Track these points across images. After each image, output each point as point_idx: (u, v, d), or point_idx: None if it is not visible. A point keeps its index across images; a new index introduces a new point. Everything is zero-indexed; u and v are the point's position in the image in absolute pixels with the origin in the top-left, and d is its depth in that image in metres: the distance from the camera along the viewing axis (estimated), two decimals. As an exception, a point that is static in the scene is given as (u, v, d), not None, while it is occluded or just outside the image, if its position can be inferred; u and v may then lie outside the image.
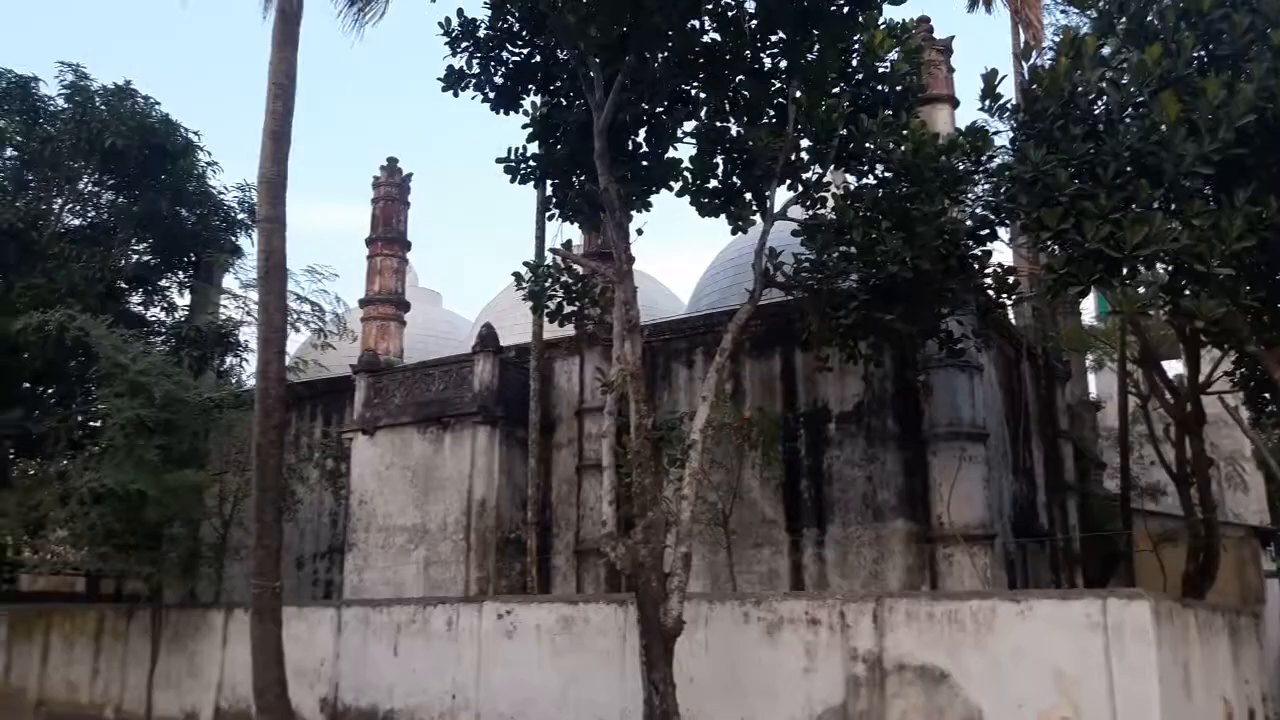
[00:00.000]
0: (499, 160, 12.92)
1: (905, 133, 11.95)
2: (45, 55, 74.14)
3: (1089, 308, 23.62)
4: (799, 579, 15.56)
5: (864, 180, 12.65)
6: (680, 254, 77.36)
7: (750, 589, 15.02)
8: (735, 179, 12.63)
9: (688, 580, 10.44)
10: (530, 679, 13.09)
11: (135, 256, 23.08)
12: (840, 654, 11.00)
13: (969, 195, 12.48)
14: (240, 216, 24.09)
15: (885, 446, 15.51)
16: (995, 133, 11.92)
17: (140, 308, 23.50)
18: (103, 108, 22.11)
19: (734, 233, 13.33)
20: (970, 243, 12.30)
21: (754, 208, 12.79)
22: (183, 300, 24.36)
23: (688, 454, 10.97)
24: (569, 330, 16.54)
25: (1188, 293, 9.96)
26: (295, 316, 20.73)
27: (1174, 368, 19.58)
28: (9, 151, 22.40)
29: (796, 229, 12.71)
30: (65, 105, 22.28)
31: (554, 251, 14.19)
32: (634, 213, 12.73)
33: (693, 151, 12.69)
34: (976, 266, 12.44)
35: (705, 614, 11.87)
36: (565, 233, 34.53)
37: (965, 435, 14.97)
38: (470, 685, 13.63)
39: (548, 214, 14.38)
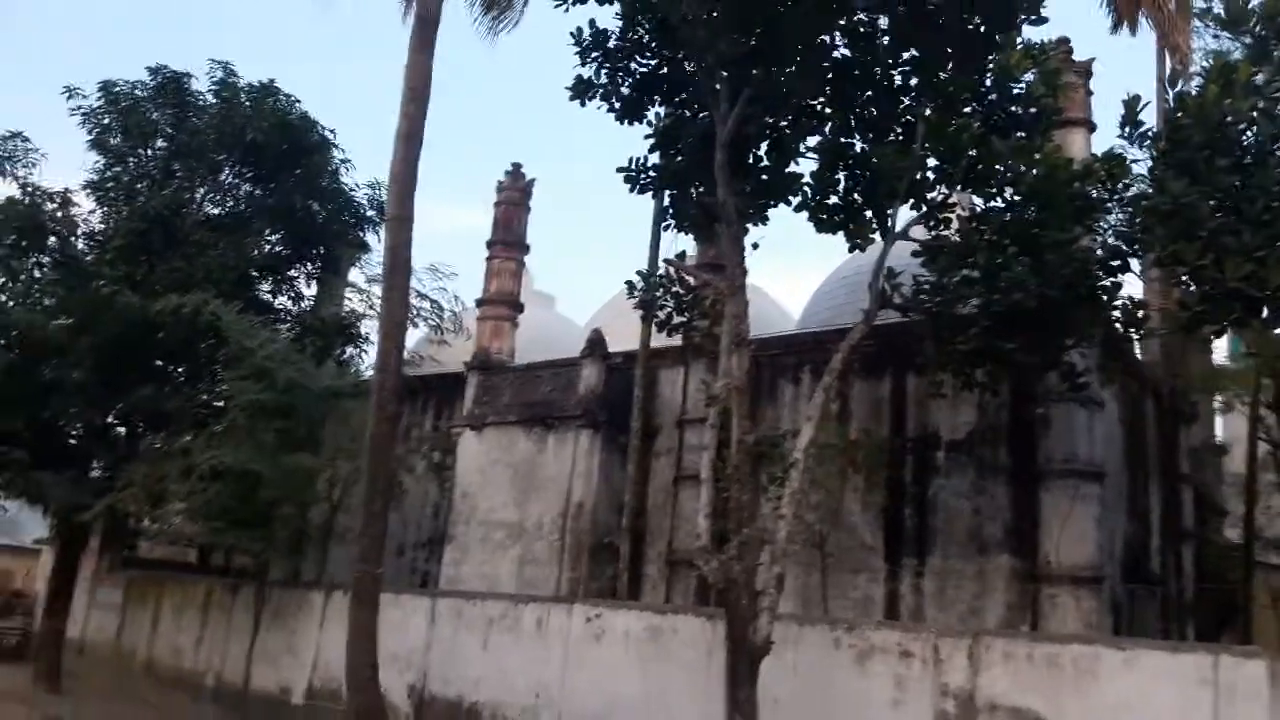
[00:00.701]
0: (620, 170, 13.00)
1: (1038, 156, 11.58)
2: (198, 52, 78.12)
3: (1221, 346, 22.48)
4: (894, 609, 15.20)
5: (991, 203, 12.31)
6: (795, 270, 76.78)
7: (843, 615, 14.71)
8: (856, 196, 12.46)
9: (779, 601, 10.30)
10: (614, 685, 13.05)
11: (268, 247, 23.93)
12: (931, 689, 10.65)
13: (1102, 224, 12.02)
14: (369, 213, 24.77)
15: (995, 479, 15.05)
16: (1133, 161, 11.43)
17: (269, 296, 24.34)
18: (247, 104, 23.06)
19: (851, 250, 13.13)
20: (1100, 273, 11.85)
21: (874, 226, 12.59)
22: (309, 291, 25.17)
23: (788, 473, 10.83)
24: (676, 340, 16.51)
25: (1335, 338, 9.33)
26: (415, 312, 21.22)
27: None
28: (160, 142, 23.53)
29: (917, 250, 12.44)
30: (213, 100, 23.31)
31: (667, 262, 14.18)
32: (750, 226, 12.67)
33: (814, 167, 12.57)
34: (1105, 298, 11.97)
35: (795, 636, 11.65)
36: (680, 244, 34.51)
37: (1080, 473, 14.41)
38: (555, 685, 13.67)
39: (663, 224, 14.38)
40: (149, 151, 23.50)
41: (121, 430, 22.76)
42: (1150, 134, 10.88)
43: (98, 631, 23.44)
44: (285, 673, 17.79)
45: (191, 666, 20.15)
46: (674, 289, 14.05)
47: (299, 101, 23.83)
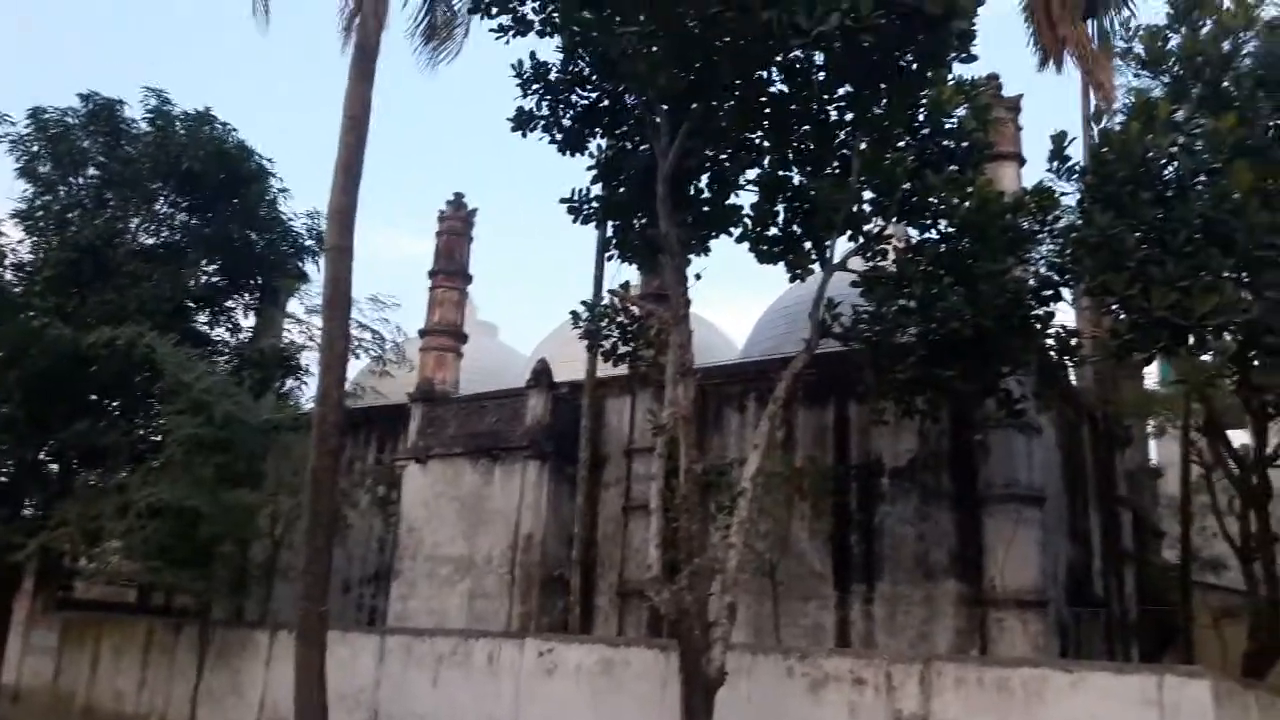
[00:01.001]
0: (562, 200, 13.08)
1: (970, 189, 11.89)
2: (128, 79, 76.82)
3: (1152, 372, 23.15)
4: (845, 635, 15.35)
5: (926, 234, 12.58)
6: (737, 299, 77.45)
7: (795, 643, 14.84)
8: (796, 228, 12.65)
9: (731, 630, 10.36)
10: (567, 719, 13.01)
11: (204, 277, 23.65)
12: (885, 715, 10.80)
13: (1033, 255, 12.36)
14: (308, 243, 24.59)
15: (939, 505, 15.28)
16: (1062, 194, 11.81)
17: (206, 327, 24.04)
18: (182, 132, 22.84)
19: (792, 280, 13.31)
20: (1033, 302, 12.15)
21: (813, 257, 12.78)
22: (247, 322, 24.89)
23: (736, 501, 10.93)
24: (622, 370, 16.56)
25: (1256, 364, 9.73)
26: (356, 344, 21.05)
27: (1240, 437, 19.09)
28: (91, 171, 23.19)
29: (856, 280, 12.67)
30: (147, 129, 23.04)
31: (612, 292, 14.30)
32: (693, 257, 12.80)
33: (754, 199, 12.75)
34: (1039, 327, 12.28)
35: (748, 666, 11.73)
36: (624, 274, 34.71)
37: (1021, 497, 14.70)
38: (507, 721, 13.60)
39: (607, 255, 14.49)
40: (80, 180, 23.14)
41: (54, 467, 22.26)
42: (1077, 168, 11.25)
43: (34, 676, 22.77)
44: (231, 714, 17.45)
45: (134, 710, 19.67)
46: (619, 319, 14.14)
47: (235, 130, 23.68)
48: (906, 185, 12.01)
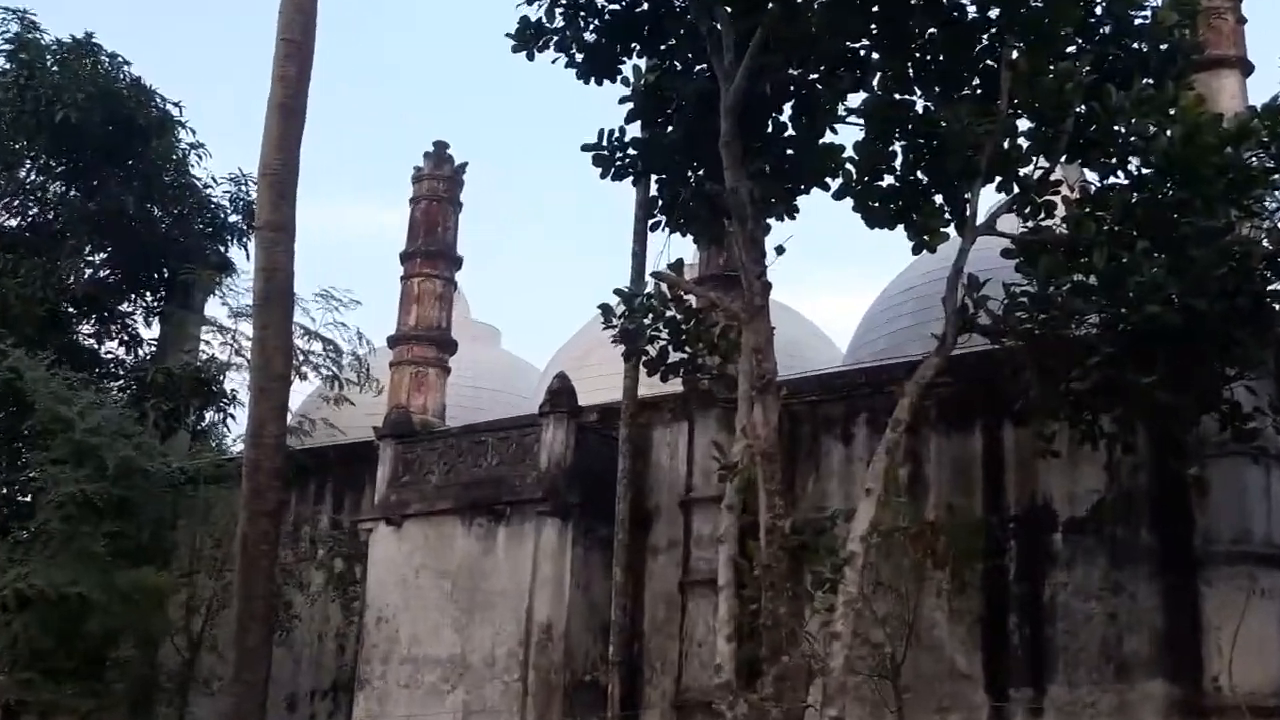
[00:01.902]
0: (586, 148, 13.07)
1: (1173, 112, 11.68)
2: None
3: None
4: (1003, 762, 15.15)
5: (1110, 179, 12.38)
6: (837, 281, 77.04)
7: (930, 772, 14.63)
8: (920, 174, 12.55)
9: (838, 757, 10.25)
10: None
11: (89, 271, 23.96)
12: None
13: (1267, 204, 12.10)
14: (233, 219, 24.84)
15: (1136, 570, 15.03)
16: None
17: (93, 340, 24.35)
18: (55, 69, 23.08)
19: (916, 251, 13.18)
20: (1269, 274, 11.89)
21: (947, 215, 12.66)
22: (150, 332, 25.18)
23: (842, 572, 10.87)
24: (675, 386, 16.44)
25: None
26: (302, 359, 21.10)
27: None
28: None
29: (1009, 248, 12.49)
30: (5, 65, 23.33)
31: (657, 276, 14.20)
32: (772, 221, 12.72)
33: (859, 136, 12.63)
34: (1278, 309, 12.04)
35: (863, 807, 11.57)
36: (674, 250, 34.75)
37: (1257, 557, 14.40)
38: None
39: (650, 223, 14.42)
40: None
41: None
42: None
43: None
44: None
45: None
46: (668, 314, 14.07)
47: (129, 64, 23.97)
48: (1080, 109, 11.82)
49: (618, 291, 14.12)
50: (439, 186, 23.99)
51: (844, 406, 17.57)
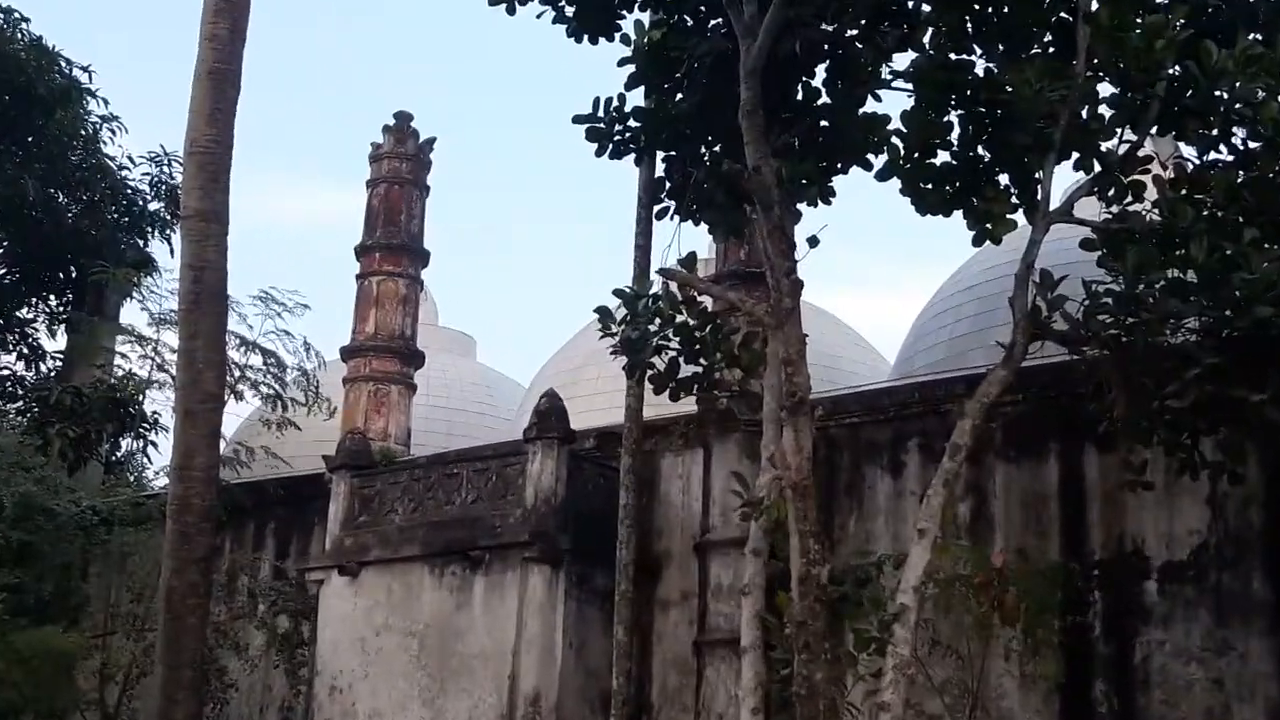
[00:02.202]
0: (579, 120, 13.03)
1: (1287, 72, 11.62)
2: None
3: None
4: None
5: (1211, 155, 12.34)
6: (882, 279, 77.12)
7: None
8: (981, 150, 12.50)
9: None
10: None
11: (-20, 271, 23.97)
12: None
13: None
14: (153, 207, 24.88)
15: (1248, 626, 14.98)
16: None
17: (-16, 353, 24.35)
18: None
19: (978, 243, 13.15)
20: None
21: (1014, 199, 12.61)
22: (55, 344, 25.19)
23: (891, 629, 10.86)
24: (687, 405, 16.39)
25: None
26: (238, 374, 21.12)
27: None
28: None
29: (1090, 238, 12.42)
30: None
31: (665, 274, 14.15)
32: (804, 207, 12.68)
33: (908, 103, 12.57)
34: None
35: None
36: (686, 241, 34.67)
37: (1396, 610, 14.36)
38: None
39: (657, 210, 14.35)
40: None
41: None
42: None
43: None
44: None
45: None
46: (679, 318, 14.00)
47: (27, 21, 23.99)
48: (1173, 70, 11.77)
49: (618, 292, 14.01)
50: (401, 167, 24.01)
51: (892, 429, 17.58)
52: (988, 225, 12.76)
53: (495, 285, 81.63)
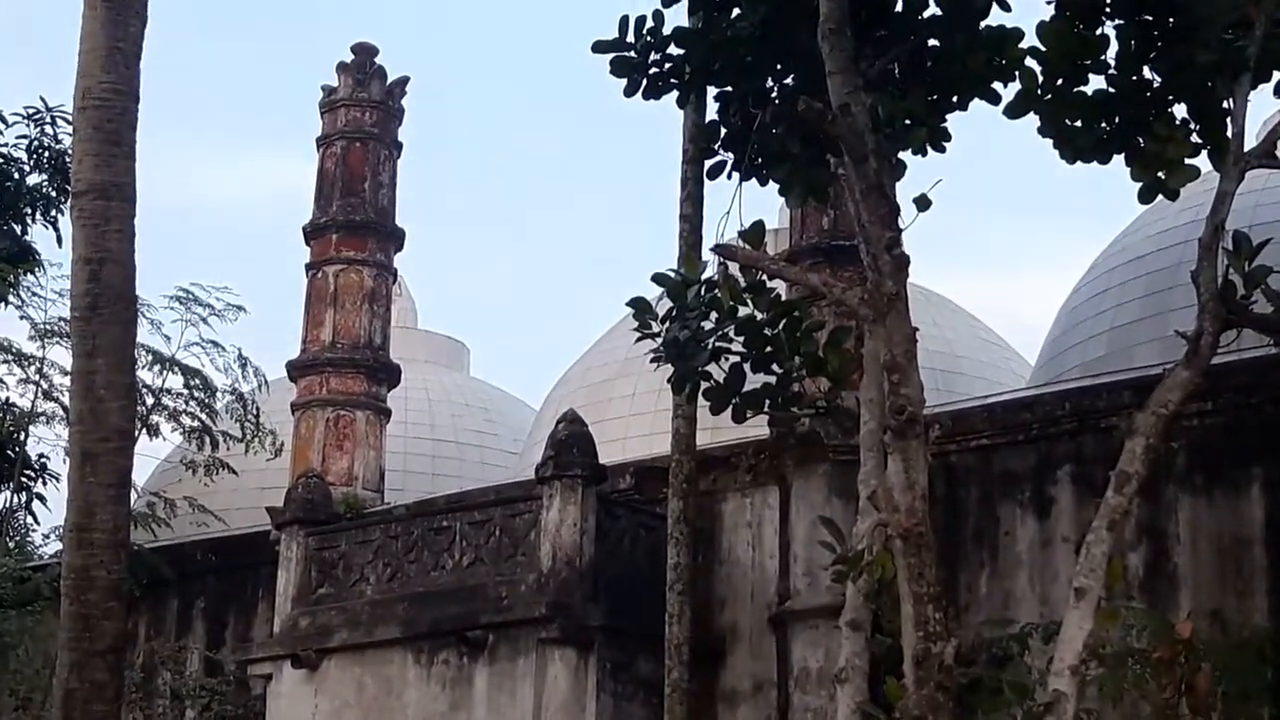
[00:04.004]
0: (602, 47, 13.03)
1: None
2: None
3: None
4: None
5: None
6: (1016, 251, 76.89)
7: None
8: (1148, 73, 12.43)
9: None
10: None
11: None
12: None
13: None
14: (32, 181, 25.00)
15: None
16: None
17: None
18: None
19: (1146, 199, 13.05)
20: None
21: (1194, 139, 12.53)
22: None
23: (1043, 723, 10.67)
24: (756, 428, 16.37)
25: None
26: (152, 403, 21.22)
27: None
28: None
29: (1297, 190, 12.37)
30: None
31: (722, 252, 14.08)
32: (908, 156, 12.67)
33: (1049, 12, 12.52)
34: None
35: None
36: (749, 207, 34.86)
37: None
38: None
39: (709, 166, 14.31)
40: None
41: None
42: None
43: None
44: None
45: None
46: (742, 311, 13.96)
47: None
48: None
49: (659, 278, 13.94)
50: (363, 117, 24.10)
51: (1035, 454, 17.66)
52: (1160, 174, 12.65)
53: (492, 274, 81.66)
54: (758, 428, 16.48)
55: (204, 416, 22.42)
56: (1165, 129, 12.66)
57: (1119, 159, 12.76)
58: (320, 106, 24.11)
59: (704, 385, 14.00)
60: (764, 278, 13.86)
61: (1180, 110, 12.62)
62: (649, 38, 13.19)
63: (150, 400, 20.78)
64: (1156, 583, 16.22)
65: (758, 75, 13.32)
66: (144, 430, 19.18)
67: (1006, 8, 12.96)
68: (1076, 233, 66.92)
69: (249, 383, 23.20)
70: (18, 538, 23.01)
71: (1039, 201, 75.48)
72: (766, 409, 14.24)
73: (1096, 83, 12.68)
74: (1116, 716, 13.81)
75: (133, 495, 15.58)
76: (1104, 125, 12.65)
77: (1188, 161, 12.72)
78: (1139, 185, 12.88)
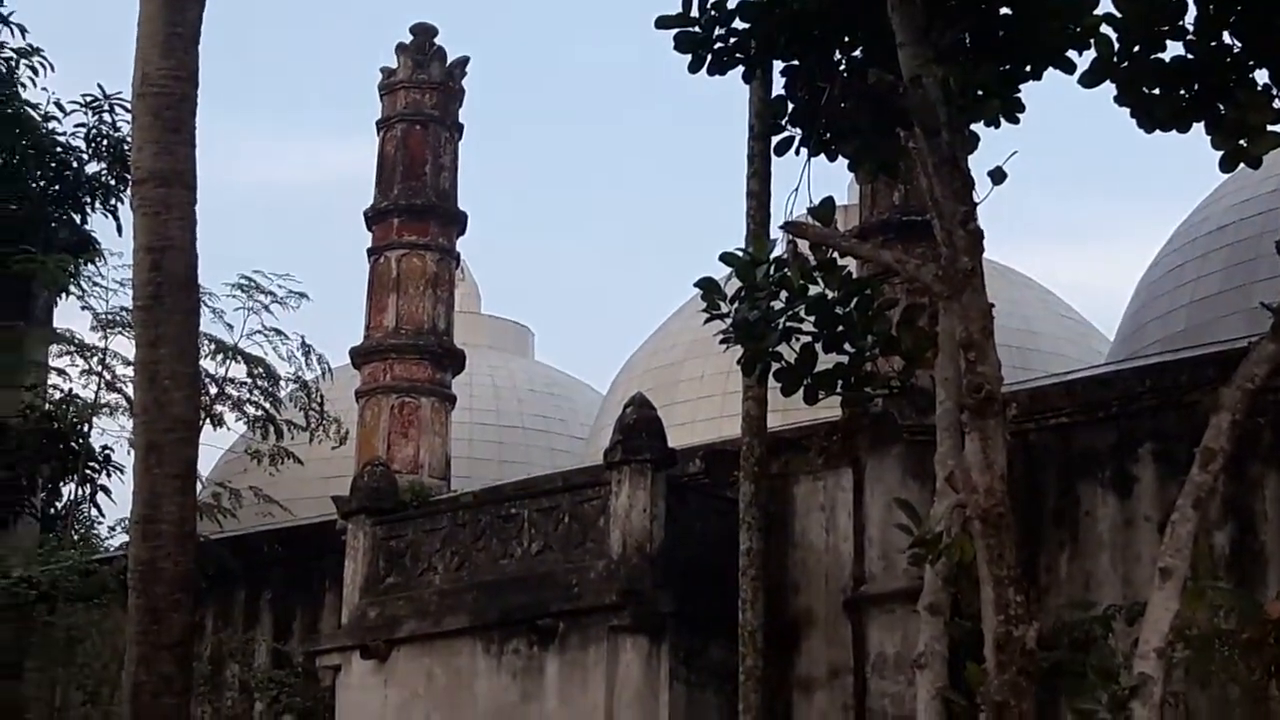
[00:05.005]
0: (665, 22, 12.94)
1: None
2: None
3: None
4: None
5: None
6: (1094, 224, 76.45)
7: None
8: (1229, 38, 12.27)
9: None
10: None
11: None
12: None
13: None
14: (92, 170, 25.03)
15: None
16: None
17: None
18: None
19: (1228, 167, 12.83)
20: None
21: (1274, 107, 12.36)
22: (-32, 356, 25.42)
23: (1129, 708, 10.72)
24: (828, 409, 16.28)
25: None
26: (216, 392, 21.24)
27: None
28: None
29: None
30: None
31: (792, 229, 14.01)
32: (982, 128, 12.51)
33: (1122, -15, 12.40)
34: None
35: None
36: (819, 183, 34.77)
37: None
38: None
39: (777, 141, 14.22)
40: None
41: None
42: None
43: None
44: None
45: None
46: (812, 290, 13.88)
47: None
48: None
49: (727, 257, 13.87)
50: (423, 99, 24.07)
51: (1116, 431, 17.59)
52: (1242, 142, 12.49)
53: (557, 258, 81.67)
54: (830, 409, 16.37)
55: (268, 405, 22.45)
56: (1246, 95, 12.53)
57: (1199, 127, 12.63)
58: (379, 89, 24.11)
59: (774, 366, 13.92)
60: (834, 255, 13.79)
61: (1262, 76, 12.49)
62: (713, 12, 13.11)
63: (214, 390, 20.83)
64: (1244, 562, 16.12)
65: (825, 48, 13.23)
66: (208, 420, 19.23)
67: (1084, -23, 12.86)
68: (1156, 204, 66.62)
69: (312, 370, 23.22)
70: (83, 530, 23.07)
71: (1117, 173, 75.11)
72: (839, 390, 14.14)
73: (1174, 49, 12.56)
74: (1204, 699, 13.72)
75: (198, 486, 15.54)
76: (1183, 93, 12.52)
77: (1270, 128, 12.58)
78: (1220, 154, 12.73)
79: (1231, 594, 14.79)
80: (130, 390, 16.94)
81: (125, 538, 14.95)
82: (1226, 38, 12.43)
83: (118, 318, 23.13)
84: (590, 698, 18.51)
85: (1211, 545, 13.67)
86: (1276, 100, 12.46)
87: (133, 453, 14.93)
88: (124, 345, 21.92)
